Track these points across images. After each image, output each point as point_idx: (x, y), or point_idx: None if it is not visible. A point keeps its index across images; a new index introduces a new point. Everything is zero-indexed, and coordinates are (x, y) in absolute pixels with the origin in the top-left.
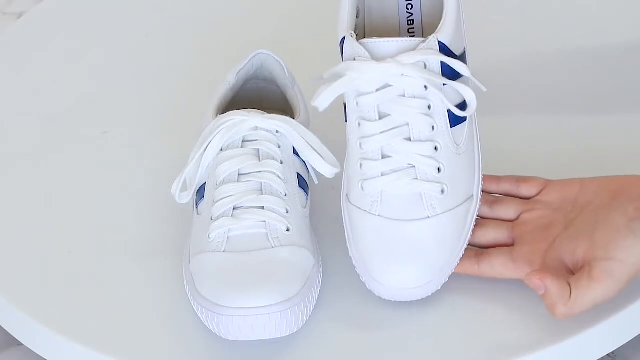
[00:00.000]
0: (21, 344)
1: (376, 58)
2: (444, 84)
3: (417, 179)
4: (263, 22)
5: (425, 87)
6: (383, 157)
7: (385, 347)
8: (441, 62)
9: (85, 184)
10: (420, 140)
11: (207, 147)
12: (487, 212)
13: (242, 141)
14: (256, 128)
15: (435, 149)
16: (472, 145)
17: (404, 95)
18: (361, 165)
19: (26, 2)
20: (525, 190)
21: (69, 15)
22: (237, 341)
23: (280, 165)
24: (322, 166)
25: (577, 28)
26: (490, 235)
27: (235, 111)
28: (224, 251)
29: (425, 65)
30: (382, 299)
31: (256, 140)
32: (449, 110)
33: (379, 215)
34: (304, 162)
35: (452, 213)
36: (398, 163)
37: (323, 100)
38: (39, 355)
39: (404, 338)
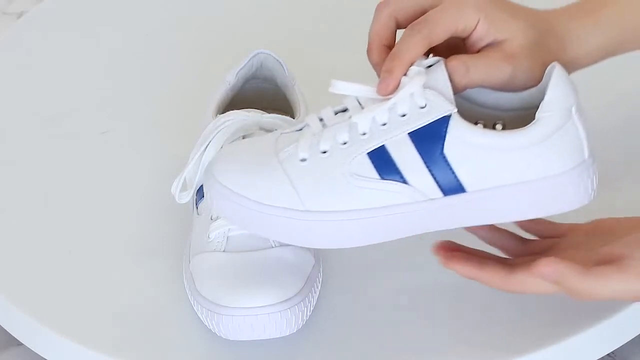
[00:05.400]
0: (21, 344)
1: None
2: None
3: None
4: (263, 22)
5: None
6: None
7: (385, 347)
8: None
9: (85, 184)
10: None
11: (207, 147)
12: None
13: None
14: (256, 128)
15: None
16: None
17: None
18: None
19: (26, 2)
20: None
21: (69, 15)
22: (237, 341)
23: None
24: None
25: None
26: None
27: (235, 111)
28: (223, 251)
29: None
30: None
31: None
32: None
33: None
34: None
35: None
36: None
37: None
38: (39, 355)
39: (403, 338)
